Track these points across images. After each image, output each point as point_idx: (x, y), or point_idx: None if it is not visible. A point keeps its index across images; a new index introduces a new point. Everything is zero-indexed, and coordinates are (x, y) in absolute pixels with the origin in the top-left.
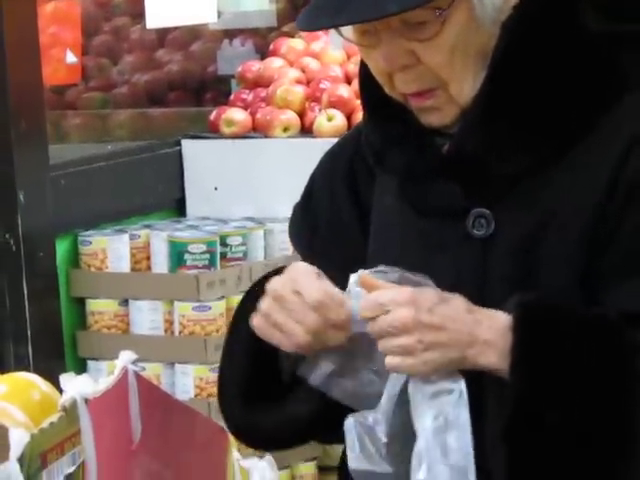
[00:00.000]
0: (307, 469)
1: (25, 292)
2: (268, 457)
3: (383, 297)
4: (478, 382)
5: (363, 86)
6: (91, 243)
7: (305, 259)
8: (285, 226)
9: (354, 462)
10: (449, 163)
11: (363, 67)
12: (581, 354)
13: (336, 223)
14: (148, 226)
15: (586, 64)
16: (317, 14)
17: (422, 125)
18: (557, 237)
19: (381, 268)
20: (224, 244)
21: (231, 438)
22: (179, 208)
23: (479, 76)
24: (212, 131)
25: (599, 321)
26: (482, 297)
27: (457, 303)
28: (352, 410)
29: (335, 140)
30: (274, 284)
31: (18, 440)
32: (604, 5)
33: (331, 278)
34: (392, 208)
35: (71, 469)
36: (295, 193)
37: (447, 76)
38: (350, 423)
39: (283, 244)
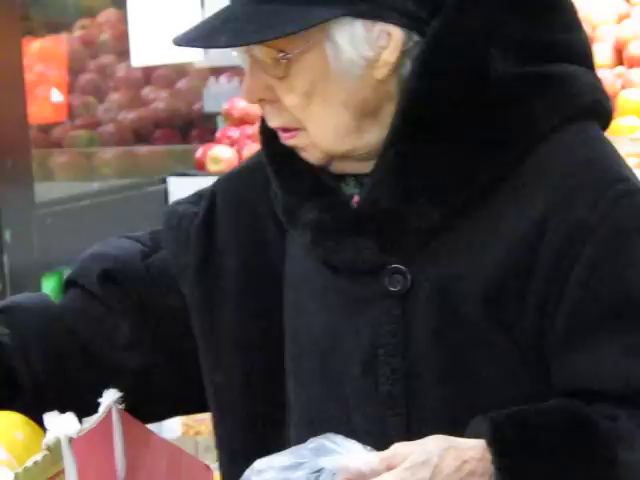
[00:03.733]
0: None
1: None
2: None
3: None
4: None
5: (265, 139)
6: None
7: (186, 268)
8: None
9: None
10: (362, 218)
11: (263, 121)
12: (561, 455)
13: (256, 247)
14: None
15: (495, 116)
16: (180, 37)
17: (331, 175)
18: (473, 287)
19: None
20: None
21: (216, 476)
22: None
23: (347, 127)
24: (198, 168)
25: (570, 417)
26: (404, 355)
27: (447, 465)
28: None
29: None
30: None
31: (2, 479)
32: (516, 47)
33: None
34: (306, 264)
35: None
36: None
37: (304, 120)
38: None
39: None
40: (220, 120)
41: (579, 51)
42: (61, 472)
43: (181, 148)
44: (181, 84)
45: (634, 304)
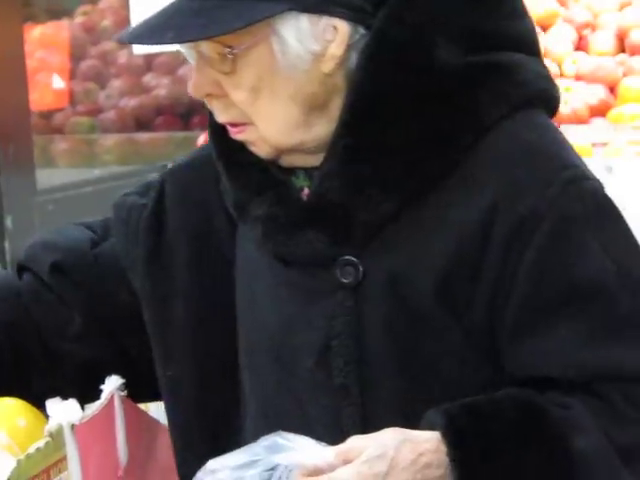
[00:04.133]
0: None
1: None
2: None
3: None
4: None
5: (214, 134)
6: None
7: (132, 252)
8: None
9: None
10: (312, 211)
11: (211, 115)
12: (514, 443)
13: (206, 240)
14: None
15: (442, 106)
16: (125, 34)
17: (280, 168)
18: (424, 281)
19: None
20: None
21: None
22: None
23: (296, 121)
24: None
25: (523, 406)
26: (358, 347)
27: (403, 458)
28: None
29: None
30: None
31: (4, 466)
32: (461, 36)
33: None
34: (257, 258)
35: None
36: None
37: (252, 114)
38: None
39: None
40: None
41: (525, 39)
42: (63, 459)
43: (182, 135)
44: (182, 71)
45: (582, 292)
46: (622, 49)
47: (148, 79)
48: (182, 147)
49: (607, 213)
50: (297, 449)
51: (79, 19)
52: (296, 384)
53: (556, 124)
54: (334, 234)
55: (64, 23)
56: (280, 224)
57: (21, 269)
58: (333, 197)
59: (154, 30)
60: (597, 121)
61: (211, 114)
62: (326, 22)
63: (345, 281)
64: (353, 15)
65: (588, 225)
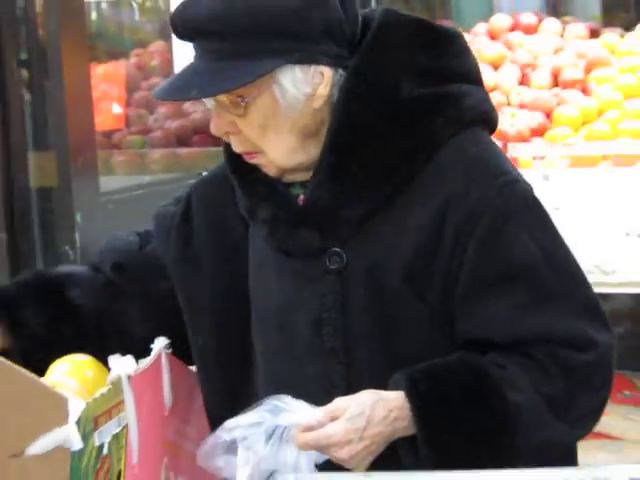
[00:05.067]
0: None
1: None
2: None
3: (325, 441)
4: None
5: (229, 156)
6: None
7: (167, 258)
8: None
9: None
10: (306, 213)
11: (226, 143)
12: (463, 401)
13: (224, 239)
14: None
15: (404, 129)
16: (158, 90)
17: (281, 181)
18: (395, 264)
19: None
20: None
21: None
22: None
23: (295, 147)
24: None
25: (470, 369)
26: (344, 319)
27: (376, 414)
28: None
29: None
30: None
31: (75, 407)
32: (419, 73)
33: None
34: (265, 251)
35: (117, 430)
36: None
37: (262, 145)
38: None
39: None
40: None
41: (471, 73)
42: (121, 402)
43: (214, 150)
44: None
45: (515, 271)
46: (556, 84)
47: (187, 106)
48: (213, 159)
49: (534, 209)
50: (293, 411)
51: (133, 59)
52: (296, 349)
53: (504, 142)
54: (323, 231)
55: (121, 63)
56: (281, 224)
57: (95, 269)
58: (322, 202)
59: (181, 88)
60: (537, 140)
61: (226, 142)
62: (314, 69)
63: (332, 267)
64: (334, 61)
65: (519, 219)
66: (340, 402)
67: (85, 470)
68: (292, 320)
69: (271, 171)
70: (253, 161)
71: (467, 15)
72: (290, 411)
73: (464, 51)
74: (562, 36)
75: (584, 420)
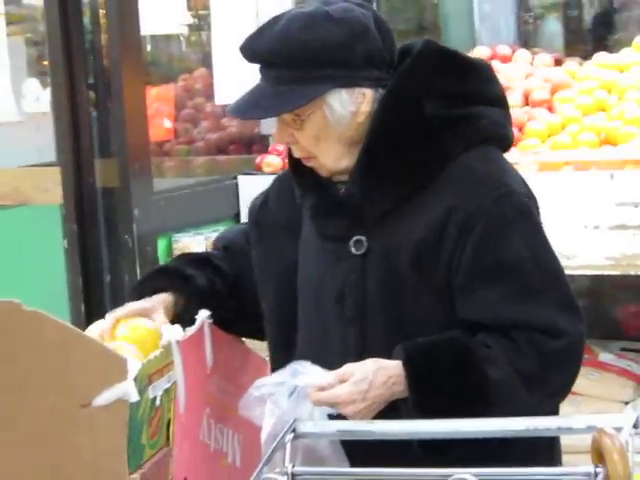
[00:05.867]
0: None
1: (138, 273)
2: None
3: (334, 400)
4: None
5: (290, 161)
6: (180, 241)
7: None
8: None
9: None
10: (339, 205)
11: (289, 150)
12: (448, 374)
13: (288, 220)
14: (216, 231)
15: (423, 143)
16: (232, 110)
17: (327, 178)
18: (407, 254)
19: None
20: None
21: (268, 366)
22: (236, 219)
23: (342, 153)
24: (257, 170)
25: (457, 348)
26: (362, 294)
27: (377, 379)
28: None
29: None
30: None
31: (133, 367)
32: (442, 96)
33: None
34: (310, 232)
35: (167, 386)
36: None
37: (316, 153)
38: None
39: None
40: (271, 139)
41: (495, 98)
42: (171, 362)
43: (247, 157)
44: None
45: (506, 269)
46: (527, 103)
47: (224, 121)
48: (246, 165)
49: (527, 218)
50: (309, 374)
51: (180, 83)
52: (324, 316)
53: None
54: (351, 221)
55: (171, 86)
56: (320, 212)
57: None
58: (353, 197)
59: (248, 107)
60: (512, 149)
61: (289, 150)
62: (358, 91)
63: (356, 252)
64: (374, 83)
65: (512, 225)
66: (348, 368)
67: (141, 418)
68: (322, 291)
69: (323, 173)
70: (309, 164)
71: (453, 47)
72: (306, 374)
73: (491, 79)
74: (532, 64)
75: (555, 396)
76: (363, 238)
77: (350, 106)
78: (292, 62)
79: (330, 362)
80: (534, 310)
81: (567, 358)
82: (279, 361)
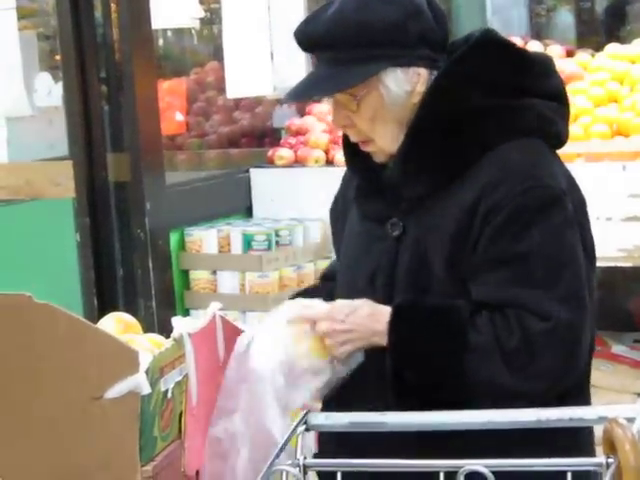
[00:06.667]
0: None
1: (150, 266)
2: None
3: (309, 315)
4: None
5: (345, 142)
6: (192, 235)
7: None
8: (316, 224)
9: None
10: (380, 188)
11: (345, 136)
12: (428, 329)
13: (344, 209)
14: (229, 224)
15: (463, 130)
16: (289, 93)
17: (376, 162)
18: (438, 239)
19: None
20: (277, 235)
21: None
22: (248, 212)
23: (398, 135)
24: (269, 163)
25: (443, 309)
26: (393, 276)
27: (363, 310)
28: None
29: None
30: None
31: (145, 359)
32: (491, 86)
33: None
34: (353, 216)
35: (179, 378)
36: (323, 203)
37: (372, 135)
38: None
39: (315, 235)
40: (283, 132)
41: (552, 92)
42: (183, 355)
43: (259, 150)
44: (259, 109)
45: (515, 256)
46: None
47: (236, 114)
48: (258, 158)
49: (551, 213)
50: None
51: (192, 76)
52: (357, 290)
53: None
54: (389, 203)
55: (183, 79)
56: (363, 192)
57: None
58: (393, 182)
59: (305, 91)
60: None
61: (344, 134)
62: (413, 71)
63: (392, 234)
64: (429, 64)
65: (533, 218)
66: (339, 301)
67: (153, 411)
68: (358, 272)
69: (380, 157)
70: (366, 149)
71: None
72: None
73: (548, 73)
74: None
75: (540, 379)
76: (399, 221)
77: (406, 85)
78: (348, 43)
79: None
80: (530, 295)
81: (550, 341)
82: None
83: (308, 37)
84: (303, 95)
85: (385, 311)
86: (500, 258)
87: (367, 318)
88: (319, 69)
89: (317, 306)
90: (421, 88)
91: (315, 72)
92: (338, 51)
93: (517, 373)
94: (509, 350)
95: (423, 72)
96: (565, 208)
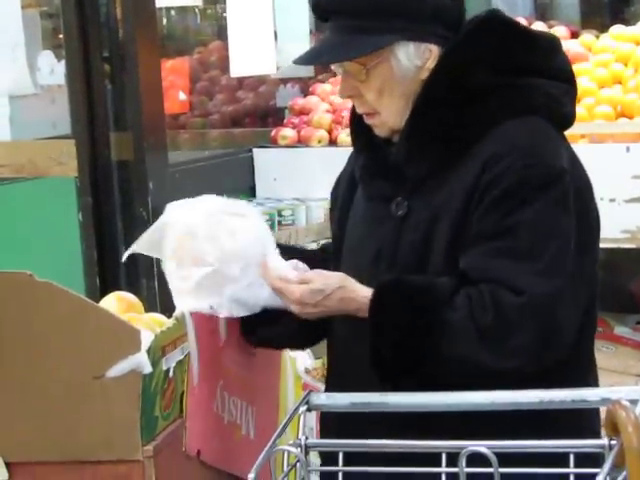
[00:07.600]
0: None
1: None
2: (308, 350)
3: (285, 294)
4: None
5: (352, 118)
6: None
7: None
8: (319, 204)
9: None
10: (385, 167)
11: (353, 108)
12: (405, 308)
13: (345, 191)
14: None
15: (468, 107)
16: (301, 57)
17: (381, 139)
18: (443, 217)
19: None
20: (280, 215)
21: None
22: (251, 192)
23: (404, 110)
24: (273, 143)
25: (422, 287)
26: (396, 256)
27: (335, 295)
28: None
29: (351, 149)
30: None
31: (146, 338)
32: (494, 65)
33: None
34: (359, 196)
35: (180, 357)
36: (326, 183)
37: (378, 107)
38: None
39: (318, 216)
40: (287, 112)
41: (559, 71)
42: (185, 334)
43: (262, 130)
44: (262, 88)
45: (506, 230)
46: None
47: (240, 94)
48: (262, 137)
49: (546, 191)
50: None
51: (196, 56)
52: (361, 270)
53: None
54: (395, 182)
55: (186, 59)
56: (367, 172)
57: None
58: (398, 159)
59: (315, 56)
60: None
61: (352, 108)
62: (425, 47)
63: (397, 214)
64: (440, 40)
65: (529, 194)
66: (314, 274)
67: (154, 390)
68: (362, 252)
69: (383, 132)
70: (370, 121)
71: None
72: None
73: (553, 53)
74: None
75: (516, 356)
76: (403, 200)
77: (416, 60)
78: (361, 11)
79: (365, 325)
80: (511, 268)
81: (523, 315)
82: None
83: (324, 4)
84: (315, 60)
85: (359, 294)
86: (490, 230)
87: (338, 302)
88: (332, 36)
89: (291, 286)
90: (431, 64)
91: (328, 39)
92: (353, 19)
93: (493, 350)
94: (484, 327)
95: (434, 49)
96: (564, 187)
